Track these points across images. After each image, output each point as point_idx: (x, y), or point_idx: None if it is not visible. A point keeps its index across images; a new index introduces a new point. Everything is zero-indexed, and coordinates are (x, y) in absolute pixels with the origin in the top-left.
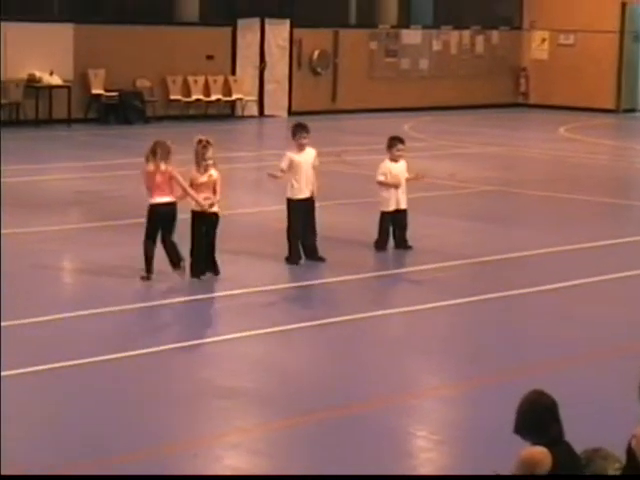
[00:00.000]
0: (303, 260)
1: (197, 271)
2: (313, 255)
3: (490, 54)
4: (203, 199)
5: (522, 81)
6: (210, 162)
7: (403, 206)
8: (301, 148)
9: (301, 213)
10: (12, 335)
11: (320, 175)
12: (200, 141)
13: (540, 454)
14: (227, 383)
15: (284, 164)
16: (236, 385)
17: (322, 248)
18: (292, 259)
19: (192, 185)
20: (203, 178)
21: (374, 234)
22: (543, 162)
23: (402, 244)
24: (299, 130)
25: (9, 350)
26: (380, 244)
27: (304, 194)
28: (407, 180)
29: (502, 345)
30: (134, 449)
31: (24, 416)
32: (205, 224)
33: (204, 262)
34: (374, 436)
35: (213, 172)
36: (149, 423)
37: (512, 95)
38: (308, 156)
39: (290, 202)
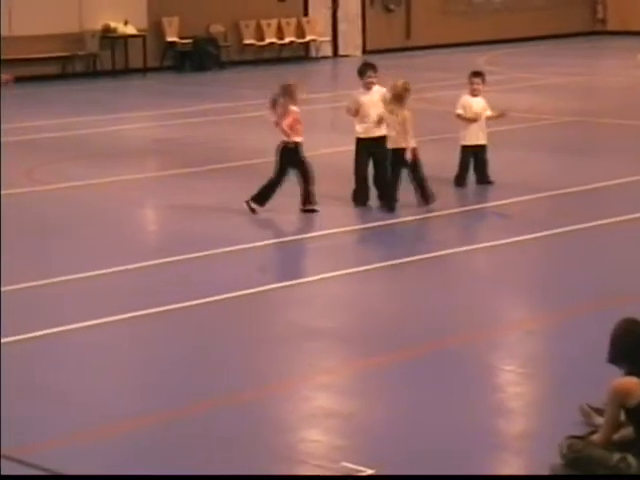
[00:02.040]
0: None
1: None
2: (383, 200)
3: None
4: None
5: (599, 8)
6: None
7: (483, 141)
8: (369, 87)
9: (367, 152)
10: (100, 284)
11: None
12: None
13: (632, 384)
14: (312, 324)
15: (350, 104)
16: (322, 326)
17: (403, 184)
18: (358, 200)
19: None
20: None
21: (454, 170)
22: (623, 90)
23: (483, 179)
24: (366, 69)
25: (106, 296)
26: (460, 179)
27: (371, 133)
28: (489, 118)
29: (589, 276)
30: (223, 393)
31: (122, 362)
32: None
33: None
34: (462, 371)
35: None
36: (236, 366)
37: (589, 23)
38: (375, 94)
39: (357, 141)
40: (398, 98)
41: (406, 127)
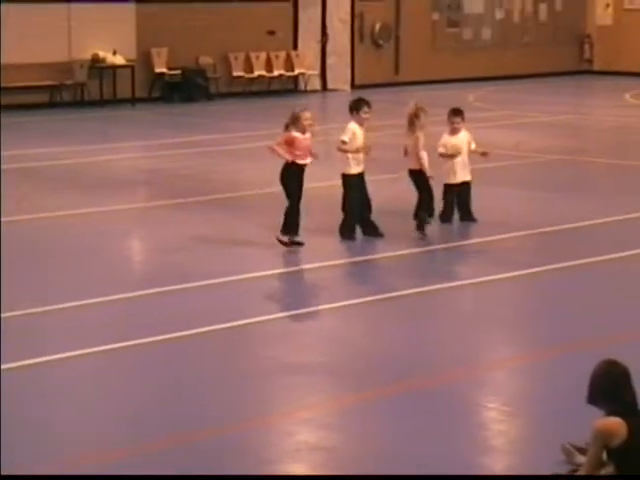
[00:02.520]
0: (358, 235)
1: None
2: (371, 231)
3: (554, 21)
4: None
5: (586, 48)
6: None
7: (467, 178)
8: (362, 124)
9: (359, 187)
10: (84, 314)
11: (386, 148)
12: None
13: (616, 424)
14: (297, 359)
15: (347, 136)
16: (306, 360)
17: (386, 221)
18: (348, 234)
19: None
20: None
21: (440, 206)
22: (609, 129)
23: (466, 216)
24: (361, 104)
25: (85, 328)
26: (445, 216)
27: (361, 169)
28: (473, 152)
29: (571, 316)
30: (205, 426)
31: (94, 395)
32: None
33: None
34: (446, 409)
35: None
36: (220, 400)
37: (577, 62)
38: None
39: (348, 177)
40: (409, 121)
41: (416, 150)
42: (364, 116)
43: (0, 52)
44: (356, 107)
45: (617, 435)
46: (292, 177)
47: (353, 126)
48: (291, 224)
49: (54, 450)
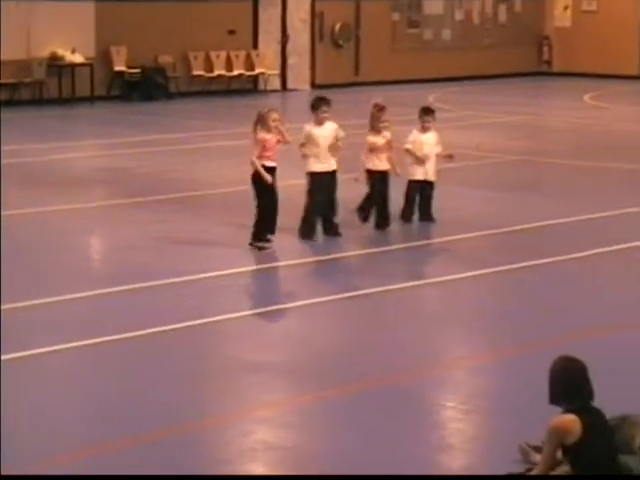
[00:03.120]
0: (317, 235)
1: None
2: (331, 231)
3: (513, 23)
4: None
5: (545, 49)
6: (386, 124)
7: (431, 178)
8: (321, 122)
9: (321, 187)
10: (47, 312)
11: (345, 147)
12: (376, 105)
13: (570, 422)
14: (256, 357)
15: (303, 137)
16: (267, 359)
17: (348, 220)
18: (306, 233)
19: (371, 149)
20: (380, 140)
21: (401, 205)
22: (568, 130)
23: (426, 216)
24: (320, 103)
25: (47, 326)
26: (406, 214)
27: (324, 167)
28: (438, 155)
29: (529, 315)
30: (165, 425)
31: (54, 393)
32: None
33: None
34: (404, 407)
35: (387, 134)
36: (179, 399)
37: (536, 63)
38: (328, 130)
39: (309, 175)
40: (370, 122)
41: (367, 150)
42: (322, 115)
43: None
44: (313, 106)
45: (572, 433)
46: (261, 181)
47: (309, 127)
48: (264, 227)
49: (20, 447)
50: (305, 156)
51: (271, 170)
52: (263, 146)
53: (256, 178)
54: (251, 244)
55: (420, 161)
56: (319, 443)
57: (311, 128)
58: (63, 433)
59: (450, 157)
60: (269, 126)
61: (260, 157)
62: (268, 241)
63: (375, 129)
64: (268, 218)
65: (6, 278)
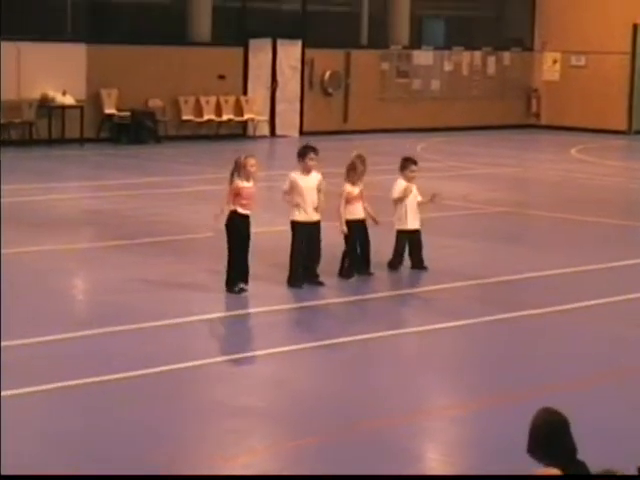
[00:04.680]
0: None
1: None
2: (313, 279)
3: (502, 75)
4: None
5: (534, 102)
6: (362, 177)
7: (417, 226)
8: (308, 170)
9: (304, 236)
10: (22, 353)
11: (331, 195)
12: (359, 156)
13: (554, 476)
14: (239, 402)
15: (286, 186)
16: (247, 405)
17: (335, 268)
18: (293, 282)
19: (348, 198)
20: (356, 190)
21: (387, 254)
22: (554, 183)
23: (418, 264)
24: (307, 151)
25: (21, 369)
26: (394, 264)
27: (308, 217)
28: (420, 204)
29: (513, 366)
30: (143, 470)
31: (40, 432)
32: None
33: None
34: (385, 456)
35: (360, 184)
36: (158, 443)
37: (524, 116)
38: (313, 179)
39: (293, 224)
40: (347, 170)
41: (342, 202)
42: (309, 163)
43: None
44: (301, 153)
45: None
46: (235, 227)
47: (294, 175)
48: (236, 275)
49: None
50: (291, 204)
51: (245, 218)
52: (238, 194)
53: (229, 224)
54: (227, 289)
55: (406, 198)
56: None
57: (296, 177)
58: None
59: (432, 200)
60: (247, 173)
61: (234, 203)
62: (242, 288)
63: (352, 179)
64: (240, 265)
65: None
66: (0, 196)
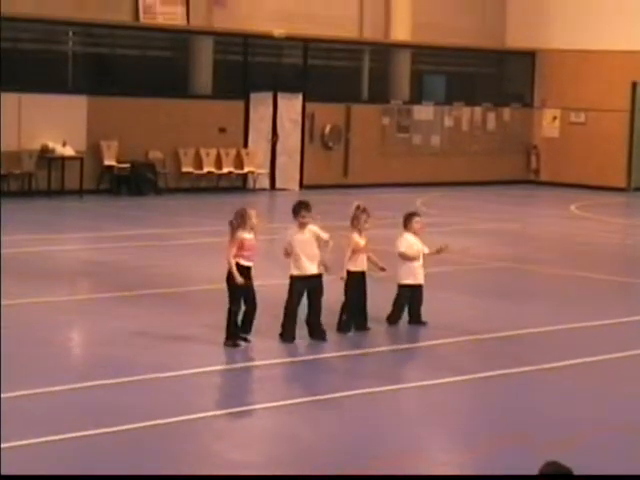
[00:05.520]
0: (304, 335)
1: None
2: (315, 334)
3: (501, 131)
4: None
5: (533, 158)
6: (367, 226)
7: (420, 281)
8: (302, 226)
9: (301, 291)
10: (16, 405)
11: (331, 249)
12: (358, 207)
13: None
14: (236, 457)
15: (286, 244)
16: (245, 459)
17: (332, 322)
18: (285, 336)
19: (355, 249)
20: (362, 241)
21: (386, 308)
22: (554, 240)
23: (417, 319)
24: (299, 209)
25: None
26: (394, 318)
27: (305, 271)
28: (429, 254)
29: (513, 421)
30: None
31: None
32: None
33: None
34: None
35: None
36: None
37: (523, 172)
38: (307, 235)
39: (290, 279)
40: (350, 222)
41: (348, 251)
42: (302, 220)
43: None
44: (294, 211)
45: None
46: (234, 280)
47: (290, 232)
48: (246, 325)
49: None
50: (288, 255)
51: (247, 270)
52: (241, 245)
53: (230, 277)
54: (225, 343)
55: (414, 259)
56: None
57: (292, 234)
58: None
59: (441, 251)
60: (250, 225)
61: (236, 256)
62: (245, 340)
63: (358, 230)
64: (245, 317)
65: None
66: (0, 247)
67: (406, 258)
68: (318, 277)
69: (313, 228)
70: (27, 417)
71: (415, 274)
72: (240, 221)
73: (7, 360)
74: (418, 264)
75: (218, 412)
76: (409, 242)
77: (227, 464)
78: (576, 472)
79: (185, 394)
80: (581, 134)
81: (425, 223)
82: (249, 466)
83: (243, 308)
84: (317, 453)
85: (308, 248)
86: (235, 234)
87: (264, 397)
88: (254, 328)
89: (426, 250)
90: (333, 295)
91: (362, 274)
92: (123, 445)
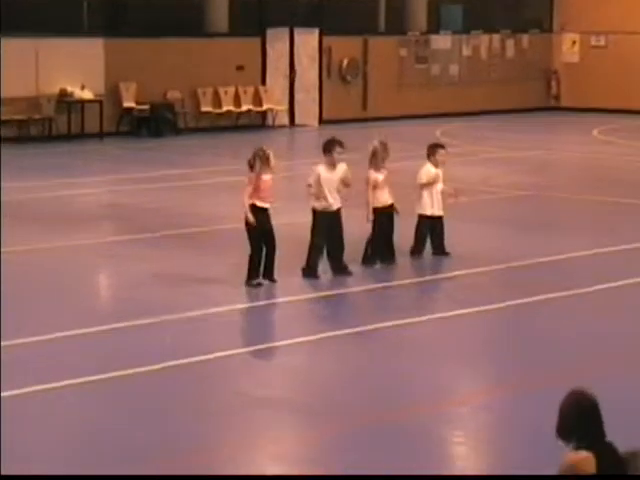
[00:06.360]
0: (321, 274)
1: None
2: (340, 269)
3: (521, 58)
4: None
5: (553, 84)
6: (386, 161)
7: (439, 212)
8: (333, 164)
9: (325, 225)
10: (48, 349)
11: (354, 182)
12: (377, 146)
13: (584, 459)
14: (262, 394)
15: (311, 179)
16: (271, 395)
17: (357, 256)
18: (309, 272)
19: (375, 186)
20: (381, 176)
21: (409, 241)
22: (576, 165)
23: (440, 251)
24: (333, 145)
25: (40, 364)
26: (417, 250)
27: (328, 206)
28: (443, 192)
29: (540, 349)
30: (169, 462)
31: (63, 425)
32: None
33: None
34: (411, 443)
35: (385, 170)
36: (184, 434)
37: (544, 99)
38: (337, 173)
39: (314, 213)
40: (370, 157)
41: (369, 189)
42: (336, 156)
43: None
44: (328, 148)
45: (586, 470)
46: (257, 221)
47: (319, 169)
48: (267, 265)
49: None
50: (311, 195)
51: (263, 211)
52: (258, 186)
53: (246, 220)
54: (247, 283)
55: (432, 184)
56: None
57: (321, 170)
58: (62, 465)
59: (455, 197)
60: (268, 165)
61: (253, 197)
62: (259, 283)
63: (376, 166)
64: (266, 258)
65: (6, 315)
66: (0, 193)
67: (426, 186)
68: (338, 212)
69: (343, 166)
70: (49, 361)
71: (433, 205)
72: (258, 161)
73: (29, 305)
74: (437, 191)
75: (243, 350)
76: (430, 173)
77: (254, 401)
78: (604, 400)
79: (209, 333)
80: (602, 58)
81: (448, 155)
82: (275, 402)
83: (265, 251)
84: (342, 388)
85: (334, 186)
86: (252, 175)
87: (289, 334)
88: (276, 268)
89: (440, 185)
90: (357, 229)
91: (387, 208)
92: (149, 385)
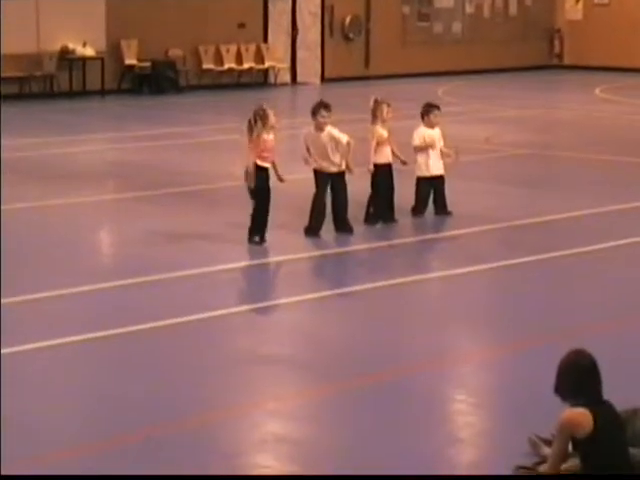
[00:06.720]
0: (329, 228)
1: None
2: (343, 227)
3: (523, 16)
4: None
5: (556, 42)
6: (389, 116)
7: (440, 172)
8: (321, 128)
9: (326, 182)
10: (50, 306)
11: (355, 142)
12: (377, 100)
13: (580, 415)
14: (263, 351)
15: (304, 144)
16: (272, 353)
17: (359, 215)
18: (311, 230)
19: (379, 141)
20: (386, 133)
21: (410, 200)
22: (579, 124)
23: (442, 210)
24: (319, 109)
25: (48, 320)
26: (417, 210)
27: (325, 170)
28: (444, 153)
29: (541, 309)
30: (173, 418)
31: (63, 383)
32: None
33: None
34: (412, 401)
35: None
36: (186, 392)
37: (546, 57)
38: (325, 136)
39: (314, 172)
40: (371, 115)
41: (372, 144)
42: (321, 120)
43: None
44: (313, 111)
45: (583, 426)
46: (257, 180)
47: (306, 132)
48: (258, 225)
49: (26, 445)
50: (306, 161)
51: (264, 171)
52: (259, 145)
53: (247, 178)
54: (249, 240)
55: (428, 147)
56: (328, 437)
57: (308, 135)
58: (63, 429)
59: (456, 155)
60: (269, 125)
61: (258, 156)
62: (257, 242)
63: (381, 121)
64: (259, 218)
65: (7, 272)
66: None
67: (420, 149)
68: (340, 174)
69: (331, 130)
70: (50, 318)
71: (430, 165)
72: (262, 120)
73: (30, 262)
74: (434, 154)
75: (245, 307)
76: (423, 134)
77: (256, 358)
78: (602, 360)
79: (211, 291)
80: (605, 16)
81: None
82: (276, 360)
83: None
84: (343, 346)
85: (324, 150)
86: (253, 134)
87: (290, 292)
88: (273, 224)
89: (441, 143)
90: (360, 188)
91: (388, 166)
92: (151, 343)
